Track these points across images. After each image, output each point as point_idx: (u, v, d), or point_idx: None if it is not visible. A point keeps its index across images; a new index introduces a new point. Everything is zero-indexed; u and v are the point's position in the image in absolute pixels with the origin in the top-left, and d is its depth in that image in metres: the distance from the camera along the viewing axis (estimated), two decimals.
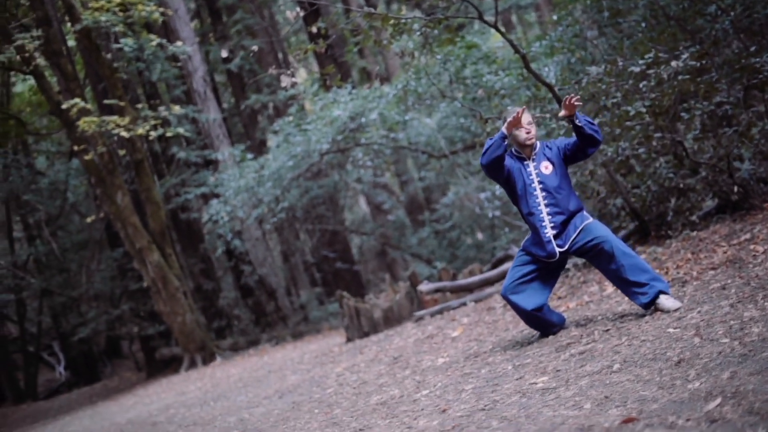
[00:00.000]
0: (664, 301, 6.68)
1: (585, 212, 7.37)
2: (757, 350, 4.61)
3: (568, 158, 7.38)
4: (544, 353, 6.73)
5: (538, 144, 7.48)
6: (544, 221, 7.28)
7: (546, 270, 7.46)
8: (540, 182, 7.31)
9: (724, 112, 10.47)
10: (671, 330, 5.87)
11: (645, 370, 4.99)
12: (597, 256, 7.13)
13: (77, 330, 28.37)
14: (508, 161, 7.43)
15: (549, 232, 7.26)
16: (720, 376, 4.26)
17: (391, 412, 6.44)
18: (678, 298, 6.89)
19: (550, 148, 7.41)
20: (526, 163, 7.39)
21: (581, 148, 7.30)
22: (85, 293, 28.27)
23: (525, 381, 5.89)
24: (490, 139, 7.29)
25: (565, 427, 4.11)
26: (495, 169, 7.38)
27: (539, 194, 7.32)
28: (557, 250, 7.25)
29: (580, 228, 7.20)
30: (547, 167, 7.33)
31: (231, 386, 13.50)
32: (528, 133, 7.33)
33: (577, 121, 7.10)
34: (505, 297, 7.52)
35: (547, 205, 7.28)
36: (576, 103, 7.04)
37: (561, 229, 7.25)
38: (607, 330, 6.70)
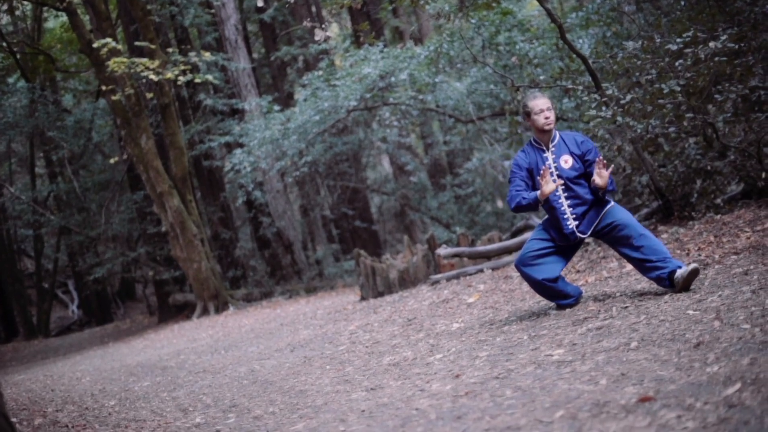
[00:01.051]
0: (679, 271, 6.69)
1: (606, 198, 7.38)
2: None
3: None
4: (560, 326, 6.71)
5: (557, 134, 7.43)
6: (565, 214, 7.30)
7: (563, 247, 7.46)
8: (559, 175, 7.29)
9: (758, 96, 10.37)
10: (691, 312, 5.84)
11: (663, 350, 4.96)
12: (615, 239, 7.17)
13: (93, 270, 28.45)
14: (527, 158, 7.45)
15: (571, 224, 7.29)
16: (740, 361, 4.22)
17: (403, 374, 6.44)
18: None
19: (578, 144, 7.36)
20: (545, 155, 7.37)
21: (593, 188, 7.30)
22: (103, 234, 28.34)
23: (540, 352, 5.88)
24: (524, 198, 7.26)
25: (581, 402, 4.09)
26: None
27: (558, 187, 7.30)
28: (579, 236, 7.28)
29: (603, 212, 7.22)
30: (566, 161, 7.32)
31: (242, 336, 13.54)
32: (547, 118, 7.30)
33: (608, 190, 7.14)
34: (518, 267, 7.57)
35: (567, 198, 7.29)
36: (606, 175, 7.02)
37: (582, 218, 7.25)
38: (626, 307, 6.67)
